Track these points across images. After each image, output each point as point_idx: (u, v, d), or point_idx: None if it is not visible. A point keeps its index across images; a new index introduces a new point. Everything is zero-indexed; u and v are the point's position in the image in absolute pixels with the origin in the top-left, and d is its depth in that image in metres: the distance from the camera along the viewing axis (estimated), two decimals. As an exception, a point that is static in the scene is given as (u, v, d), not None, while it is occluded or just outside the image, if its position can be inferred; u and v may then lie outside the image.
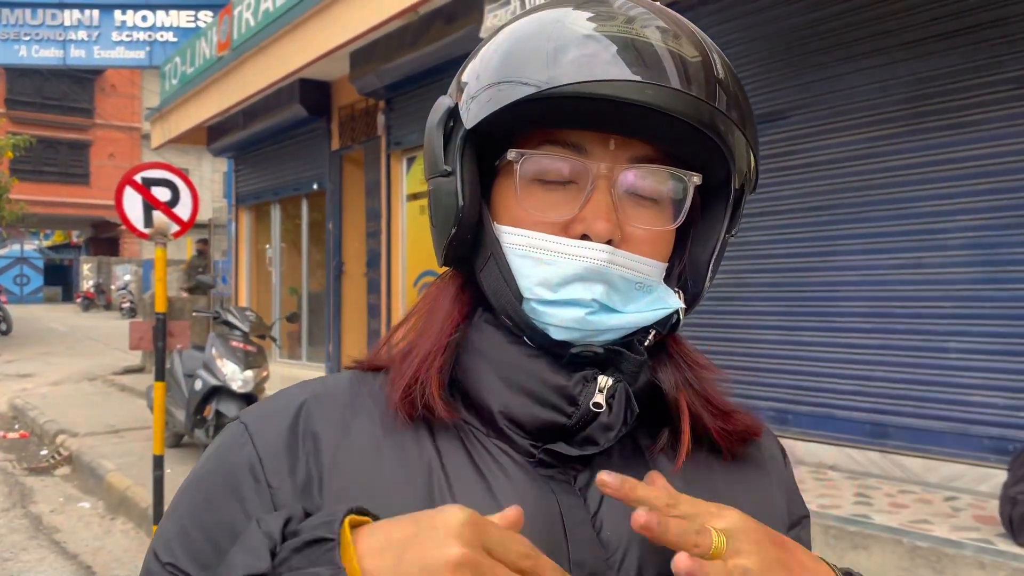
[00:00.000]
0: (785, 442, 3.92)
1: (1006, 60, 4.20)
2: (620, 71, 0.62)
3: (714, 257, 0.73)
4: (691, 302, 0.73)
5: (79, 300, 32.49)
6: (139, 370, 12.67)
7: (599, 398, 0.67)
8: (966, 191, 4.36)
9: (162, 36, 13.80)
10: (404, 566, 0.53)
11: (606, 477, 0.61)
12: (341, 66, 8.39)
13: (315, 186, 10.01)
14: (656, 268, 0.69)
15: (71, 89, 32.56)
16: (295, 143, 10.40)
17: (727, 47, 5.43)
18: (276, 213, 11.24)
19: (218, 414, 6.32)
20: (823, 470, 4.81)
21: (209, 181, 27.61)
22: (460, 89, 0.70)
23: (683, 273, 0.74)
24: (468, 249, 0.71)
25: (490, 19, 5.13)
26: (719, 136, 0.66)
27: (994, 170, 4.25)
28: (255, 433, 0.69)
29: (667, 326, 0.71)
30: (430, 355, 0.70)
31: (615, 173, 0.67)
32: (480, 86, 0.67)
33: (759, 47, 5.31)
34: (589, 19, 0.65)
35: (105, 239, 38.35)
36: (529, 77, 0.63)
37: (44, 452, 7.99)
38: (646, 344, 0.70)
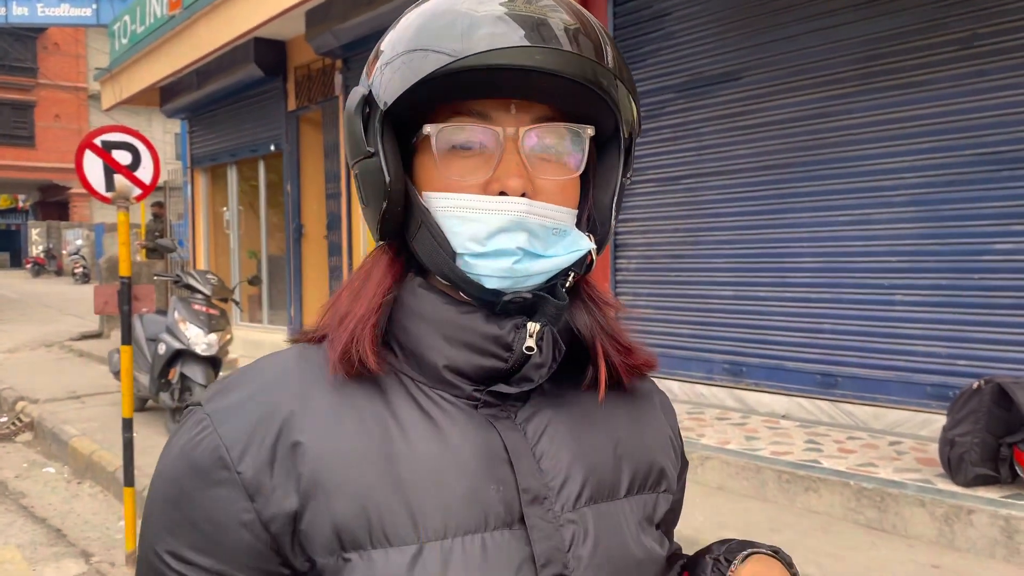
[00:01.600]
0: (739, 393, 4.10)
1: (950, 22, 4.34)
2: (519, 40, 0.70)
3: (615, 200, 0.82)
4: (600, 243, 0.83)
5: (29, 266, 31.77)
6: (97, 335, 12.53)
7: (530, 342, 0.76)
8: (912, 150, 4.53)
9: (109, -7, 13.43)
10: None
11: None
12: (297, 25, 8.28)
13: (272, 147, 9.91)
14: (568, 214, 0.78)
15: (12, 47, 31.46)
16: (251, 104, 10.26)
17: (682, 7, 5.50)
18: (233, 175, 11.11)
19: (183, 377, 6.33)
20: (775, 419, 5.02)
21: (161, 143, 27.00)
22: (371, 73, 0.78)
23: (591, 217, 0.83)
24: (399, 222, 0.79)
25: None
26: (604, 91, 0.75)
27: (938, 129, 4.42)
28: (218, 423, 0.74)
29: (583, 267, 0.80)
30: (365, 316, 0.77)
31: (520, 134, 0.75)
32: (394, 63, 0.74)
33: (715, 7, 5.39)
34: (495, 2, 0.72)
35: (53, 203, 37.41)
36: (442, 48, 0.70)
37: (3, 419, 7.92)
38: (567, 286, 0.79)
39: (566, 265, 0.77)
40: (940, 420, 3.89)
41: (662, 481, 0.88)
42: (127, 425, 4.22)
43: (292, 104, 9.47)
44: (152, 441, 6.31)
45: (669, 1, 5.65)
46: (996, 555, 3.28)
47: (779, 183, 5.13)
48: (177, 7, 9.39)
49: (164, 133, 28.84)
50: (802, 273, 5.06)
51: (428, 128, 0.75)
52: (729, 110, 5.35)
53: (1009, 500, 3.41)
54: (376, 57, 0.79)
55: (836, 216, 4.87)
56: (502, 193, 0.74)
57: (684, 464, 0.97)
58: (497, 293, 0.76)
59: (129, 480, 4.23)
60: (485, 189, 0.75)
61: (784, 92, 5.06)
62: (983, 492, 3.52)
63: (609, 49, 0.76)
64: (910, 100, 4.52)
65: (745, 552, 0.82)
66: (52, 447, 6.83)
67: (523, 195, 0.74)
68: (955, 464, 3.62)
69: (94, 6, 13.66)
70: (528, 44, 0.70)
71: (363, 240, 8.53)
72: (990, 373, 3.88)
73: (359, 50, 8.07)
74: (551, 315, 0.78)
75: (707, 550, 0.87)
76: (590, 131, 0.78)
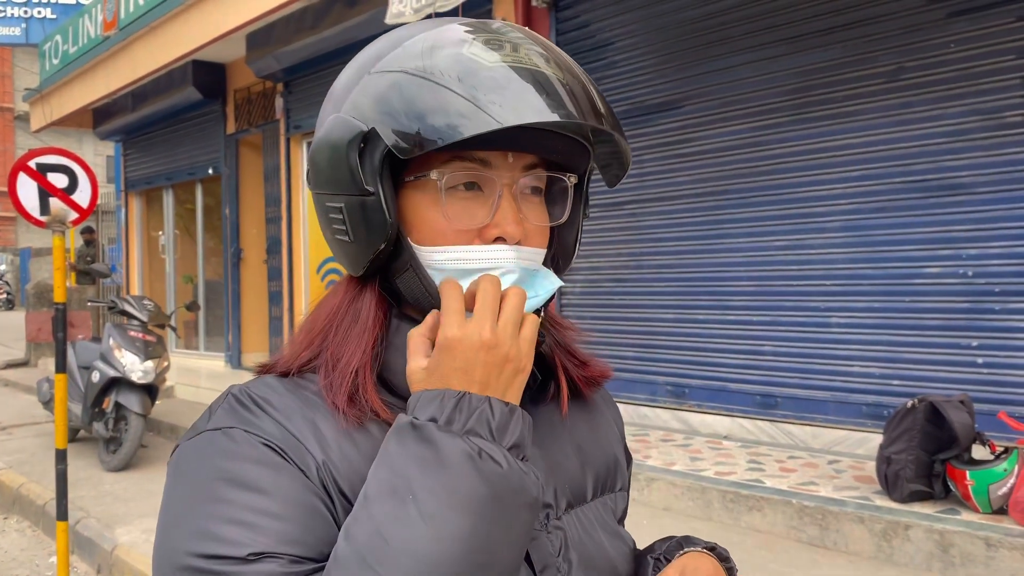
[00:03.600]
0: (681, 414, 4.16)
1: (879, 55, 4.54)
2: (547, 111, 0.72)
3: (577, 238, 0.89)
4: (560, 275, 0.88)
5: (-52, 292, 30.48)
6: (23, 364, 12.08)
7: None
8: (843, 177, 4.70)
9: (39, 12, 13.10)
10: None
11: None
12: (237, 48, 8.22)
13: (210, 171, 9.77)
14: (543, 255, 0.83)
15: (-67, 66, 30.37)
16: (188, 126, 10.10)
17: (624, 38, 5.63)
18: (169, 199, 10.90)
19: (118, 406, 6.15)
20: (718, 440, 5.10)
21: (92, 165, 26.33)
22: (367, 110, 0.76)
23: (556, 254, 0.88)
24: (386, 259, 0.80)
25: (396, 5, 5.16)
26: (618, 132, 0.81)
27: (868, 158, 4.60)
28: (254, 431, 0.74)
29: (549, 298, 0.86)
30: (363, 366, 0.79)
31: (516, 181, 0.79)
32: (411, 116, 0.73)
33: (654, 38, 5.53)
34: (491, 49, 0.75)
35: (-25, 227, 36.02)
36: (479, 115, 0.71)
37: (-77, 453, 7.57)
38: (541, 316, 0.83)
39: (543, 302, 0.81)
40: (876, 439, 4.02)
41: (619, 479, 0.96)
42: (61, 456, 4.08)
43: (231, 127, 9.36)
44: (85, 473, 6.10)
45: (611, 32, 5.77)
46: (932, 568, 3.39)
47: (717, 209, 5.26)
48: (112, 28, 9.22)
49: (95, 155, 28.11)
50: (741, 296, 5.19)
51: (434, 173, 0.77)
52: (669, 138, 5.48)
53: (943, 515, 3.53)
54: (346, 92, 0.80)
55: (772, 241, 5.01)
56: (498, 239, 0.77)
57: (629, 459, 1.05)
58: None
59: (62, 514, 4.08)
60: (481, 235, 0.78)
61: (721, 121, 5.21)
62: (919, 508, 3.63)
63: (596, 95, 0.80)
64: (840, 130, 4.69)
65: (682, 551, 0.90)
66: (-24, 481, 6.55)
67: (517, 242, 0.78)
68: (892, 481, 3.74)
69: (23, 25, 13.30)
70: (560, 119, 0.73)
71: (304, 265, 8.44)
72: (922, 392, 4.02)
73: (301, 73, 8.04)
74: None
75: (650, 549, 0.95)
76: (572, 179, 0.83)
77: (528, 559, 0.79)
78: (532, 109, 0.72)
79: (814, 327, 4.85)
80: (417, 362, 0.73)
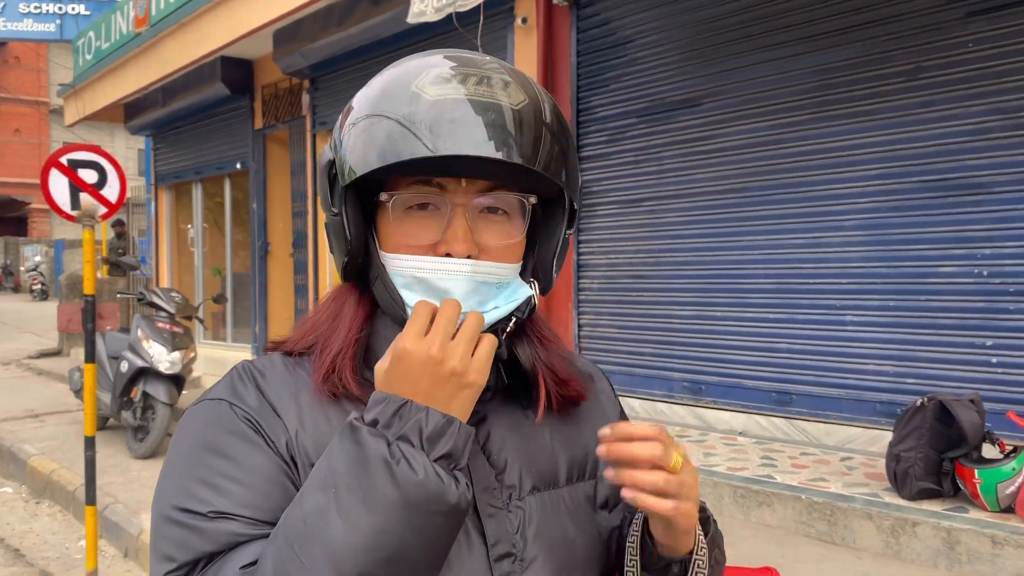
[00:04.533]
0: (697, 411, 4.21)
1: (897, 54, 4.54)
2: (484, 147, 0.79)
3: (556, 254, 0.94)
4: (544, 289, 0.96)
5: (-15, 282, 31.14)
6: (56, 353, 12.36)
7: None
8: (860, 176, 4.71)
9: (73, 8, 13.35)
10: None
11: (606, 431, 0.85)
12: (264, 44, 8.34)
13: (238, 165, 9.92)
14: (510, 269, 0.89)
15: (-28, 61, 31.00)
16: (217, 121, 10.26)
17: (644, 35, 5.67)
18: (198, 192, 11.08)
19: (145, 395, 6.32)
20: (732, 436, 5.14)
21: (123, 159, 26.75)
22: (339, 140, 0.87)
23: (535, 267, 0.95)
24: (360, 268, 0.91)
25: (417, 4, 5.23)
26: (554, 175, 0.86)
27: (886, 157, 4.61)
28: (237, 404, 0.87)
29: (526, 310, 0.92)
30: (342, 351, 0.90)
31: (468, 202, 0.86)
32: (364, 148, 0.83)
33: (676, 36, 5.56)
34: (446, 82, 0.82)
35: (11, 218, 36.77)
36: (413, 147, 0.80)
37: (-40, 438, 7.80)
38: (508, 329, 0.90)
39: (505, 314, 0.89)
40: (889, 436, 4.03)
41: (600, 467, 1.01)
42: (89, 443, 4.22)
43: (259, 123, 9.50)
44: (114, 460, 6.27)
45: (632, 29, 5.81)
46: (939, 565, 3.41)
47: (736, 206, 5.29)
48: (143, 24, 9.40)
49: (127, 149, 28.58)
50: (758, 294, 5.21)
51: (383, 196, 0.87)
52: (689, 135, 5.51)
53: (951, 512, 3.55)
54: (346, 116, 0.89)
55: (789, 239, 5.03)
56: (447, 255, 0.85)
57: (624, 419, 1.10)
58: None
59: (91, 499, 4.22)
60: (434, 250, 0.86)
61: (739, 119, 5.23)
62: (927, 505, 3.66)
63: (554, 128, 0.86)
64: (858, 129, 4.70)
65: None
66: (10, 466, 6.75)
67: (468, 257, 0.85)
68: (900, 478, 3.76)
69: (58, 21, 13.57)
70: (489, 144, 0.80)
71: (329, 259, 8.56)
72: (935, 391, 4.04)
73: (327, 70, 8.15)
74: (499, 353, 0.91)
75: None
76: (533, 199, 0.90)
77: (482, 533, 0.87)
78: (469, 139, 0.79)
79: (829, 325, 4.87)
80: (383, 363, 0.81)
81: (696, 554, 0.91)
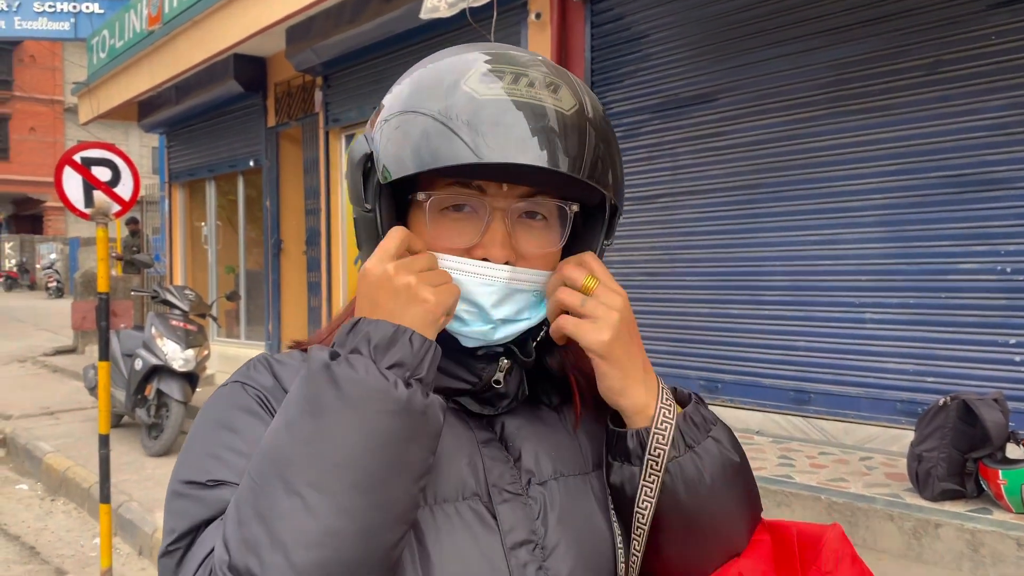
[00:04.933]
0: (715, 409, 4.15)
1: (914, 48, 4.47)
2: (530, 154, 0.76)
3: None
4: None
5: (1, 280, 31.37)
6: (71, 351, 12.43)
7: (499, 375, 0.88)
8: (878, 172, 4.64)
9: (87, 7, 13.40)
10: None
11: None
12: (277, 42, 8.33)
13: (251, 163, 9.92)
14: (544, 277, 0.86)
15: (-13, 60, 31.21)
16: (230, 119, 10.27)
17: (658, 30, 5.62)
18: (211, 190, 11.10)
19: (159, 393, 6.33)
20: (750, 435, 5.09)
21: (137, 157, 26.88)
22: (378, 137, 0.84)
23: None
24: None
25: (430, 0, 5.20)
26: (600, 184, 0.83)
27: (904, 152, 4.54)
28: (249, 383, 0.86)
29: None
30: None
31: (509, 207, 0.83)
32: (400, 146, 0.80)
33: (690, 31, 5.50)
34: (491, 81, 0.79)
35: (27, 216, 37.04)
36: (456, 150, 0.76)
37: (-24, 436, 7.84)
38: (539, 338, 0.89)
39: (535, 324, 0.88)
40: (910, 436, 3.97)
41: None
42: (104, 441, 4.22)
43: (272, 120, 9.50)
44: (128, 458, 6.29)
45: (645, 24, 5.76)
46: (962, 568, 3.36)
47: (751, 203, 5.23)
48: (157, 22, 9.41)
49: (141, 147, 28.72)
50: (774, 291, 5.15)
51: (420, 195, 0.83)
52: (703, 131, 5.45)
53: (974, 514, 3.49)
54: (381, 113, 0.86)
55: (806, 235, 4.97)
56: (484, 259, 0.83)
57: None
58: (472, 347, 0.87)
59: (105, 497, 4.22)
60: (469, 254, 0.83)
61: (755, 114, 5.17)
62: (950, 506, 3.60)
63: (602, 131, 0.83)
64: (876, 123, 4.63)
65: None
66: (25, 464, 6.78)
67: (506, 263, 0.83)
68: (922, 479, 3.70)
69: (72, 20, 13.62)
70: (537, 151, 0.77)
71: (342, 257, 8.55)
72: (956, 390, 3.97)
73: (340, 67, 8.13)
74: (521, 360, 0.90)
75: None
76: (575, 207, 0.87)
77: (495, 519, 0.84)
78: (514, 148, 0.76)
79: (848, 323, 4.81)
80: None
81: (656, 426, 0.84)
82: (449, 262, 0.83)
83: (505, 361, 0.89)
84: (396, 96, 0.85)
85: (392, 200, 0.85)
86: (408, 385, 0.73)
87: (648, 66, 5.76)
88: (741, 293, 5.33)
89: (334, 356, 0.74)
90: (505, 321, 0.85)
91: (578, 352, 0.94)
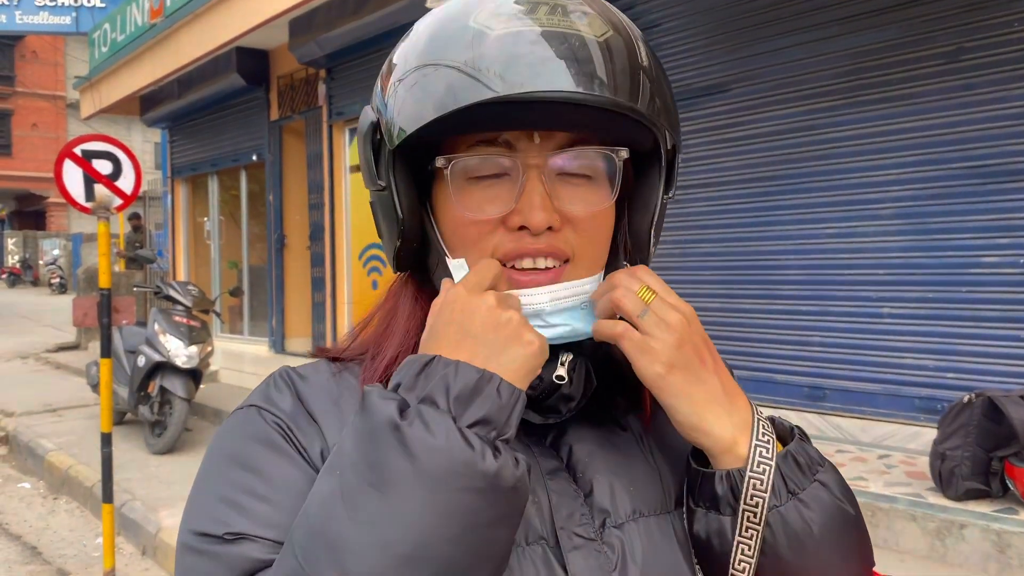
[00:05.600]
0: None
1: (936, 35, 4.36)
2: (560, 79, 0.64)
3: (654, 223, 0.77)
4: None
5: (4, 276, 31.34)
6: (74, 347, 12.36)
7: (561, 371, 0.72)
8: (898, 163, 4.53)
9: (89, 1, 13.29)
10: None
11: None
12: (280, 34, 8.22)
13: (254, 157, 9.82)
14: (594, 281, 0.74)
15: (-11, 55, 31.15)
16: (232, 113, 10.17)
17: (671, 19, 5.49)
18: (214, 185, 11.01)
19: (162, 390, 6.24)
20: (764, 432, 4.99)
21: (139, 152, 26.78)
22: (383, 102, 0.72)
23: (626, 245, 0.78)
24: (418, 253, 0.76)
25: (436, -11, 5.10)
26: (645, 118, 0.70)
27: (925, 142, 4.43)
28: (268, 408, 0.73)
29: None
30: (399, 355, 0.74)
31: (545, 162, 0.70)
32: (406, 81, 0.69)
33: (702, 20, 5.39)
34: (517, 12, 0.67)
35: (30, 212, 36.99)
36: (479, 76, 0.64)
37: (-22, 433, 7.77)
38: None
39: (585, 335, 0.74)
40: (929, 433, 3.88)
41: None
42: (106, 440, 4.13)
43: (275, 114, 9.40)
44: (131, 455, 6.20)
45: (657, 13, 5.65)
46: (988, 570, 3.26)
47: (766, 195, 5.13)
48: (158, 16, 9.31)
49: (143, 142, 28.62)
50: (789, 285, 5.05)
51: (440, 161, 0.70)
52: (717, 122, 5.34)
53: (1000, 514, 3.39)
54: (389, 73, 0.74)
55: (823, 228, 4.87)
56: (523, 228, 0.70)
57: None
58: None
59: (108, 496, 4.14)
60: (505, 223, 0.70)
61: (771, 105, 5.06)
62: (974, 506, 3.50)
63: (649, 66, 0.71)
64: (896, 113, 4.52)
65: None
66: (28, 462, 6.70)
67: (548, 228, 0.70)
68: (946, 478, 3.61)
69: (73, 14, 13.53)
70: (572, 79, 0.64)
71: (346, 251, 8.46)
72: (978, 386, 3.88)
73: (344, 59, 8.03)
74: (586, 350, 0.75)
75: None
76: (624, 154, 0.73)
77: (564, 570, 0.69)
78: (544, 77, 0.64)
79: (865, 317, 4.70)
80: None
81: (751, 468, 0.68)
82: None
83: (568, 355, 0.73)
84: (410, 50, 0.72)
85: (408, 174, 0.73)
86: (496, 452, 0.59)
87: (660, 56, 5.59)
88: (755, 288, 5.23)
89: (403, 408, 0.60)
90: (556, 325, 0.73)
91: None
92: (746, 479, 0.68)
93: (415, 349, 0.71)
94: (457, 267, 0.72)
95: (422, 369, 0.62)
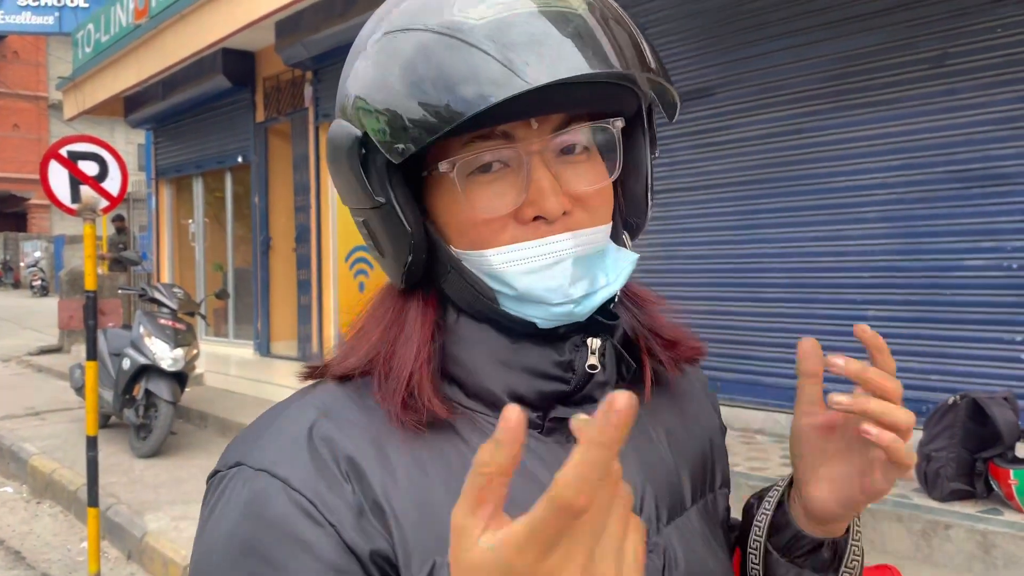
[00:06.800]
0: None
1: (921, 41, 4.40)
2: (580, 61, 0.61)
3: (649, 185, 0.76)
4: (637, 232, 0.78)
5: (-15, 278, 31.08)
6: (57, 350, 12.25)
7: (593, 359, 0.70)
8: (883, 167, 4.57)
9: (72, 1, 13.19)
10: None
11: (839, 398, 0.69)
12: (266, 36, 8.19)
13: (239, 159, 9.78)
14: (607, 229, 0.72)
15: (-30, 55, 30.86)
16: (218, 114, 10.12)
17: (658, 24, 5.51)
18: (198, 187, 10.95)
19: (148, 393, 6.20)
20: (751, 434, 5.02)
21: (123, 154, 26.59)
22: (361, 110, 0.67)
23: (624, 211, 0.77)
24: (425, 266, 0.71)
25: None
26: (663, 80, 0.70)
27: (910, 147, 4.47)
28: (285, 476, 0.64)
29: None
30: (417, 366, 0.69)
31: (547, 147, 0.67)
32: (407, 106, 0.63)
33: (689, 24, 5.42)
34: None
35: (11, 214, 36.65)
36: (507, 81, 0.60)
37: (-41, 437, 7.68)
38: (615, 301, 0.74)
39: (618, 289, 0.71)
40: (915, 435, 3.91)
41: (717, 476, 0.84)
42: (91, 444, 4.10)
43: (260, 115, 9.36)
44: (116, 459, 6.16)
45: (643, 18, 5.67)
46: (973, 569, 3.29)
47: (751, 199, 5.16)
48: (143, 16, 9.25)
49: (127, 143, 28.40)
50: (775, 288, 5.08)
51: (443, 165, 0.67)
52: (702, 126, 5.37)
53: (985, 515, 3.43)
54: (370, 82, 0.68)
55: (808, 232, 4.90)
56: (537, 218, 0.67)
57: (723, 431, 0.92)
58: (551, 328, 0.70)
59: (93, 501, 4.10)
60: (518, 216, 0.67)
61: (756, 109, 5.10)
62: (959, 507, 3.54)
63: (625, 17, 0.69)
64: (881, 118, 4.56)
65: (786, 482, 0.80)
66: (10, 466, 6.64)
67: (564, 213, 0.67)
68: (931, 479, 3.64)
69: (56, 14, 13.42)
70: (593, 59, 0.62)
71: (332, 253, 8.44)
72: (963, 388, 3.91)
73: (330, 62, 8.00)
74: (610, 330, 0.73)
75: (748, 510, 0.83)
76: (619, 123, 0.71)
77: None
78: (564, 63, 0.61)
79: (850, 320, 4.69)
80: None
81: (852, 538, 0.77)
82: (499, 256, 0.67)
83: (596, 341, 0.71)
84: (395, 85, 0.65)
85: (404, 183, 0.68)
86: None
87: (646, 60, 5.66)
88: (741, 290, 5.26)
89: None
90: (586, 296, 0.68)
91: (645, 306, 0.79)
92: (848, 547, 0.76)
93: (429, 362, 0.69)
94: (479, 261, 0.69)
95: None
